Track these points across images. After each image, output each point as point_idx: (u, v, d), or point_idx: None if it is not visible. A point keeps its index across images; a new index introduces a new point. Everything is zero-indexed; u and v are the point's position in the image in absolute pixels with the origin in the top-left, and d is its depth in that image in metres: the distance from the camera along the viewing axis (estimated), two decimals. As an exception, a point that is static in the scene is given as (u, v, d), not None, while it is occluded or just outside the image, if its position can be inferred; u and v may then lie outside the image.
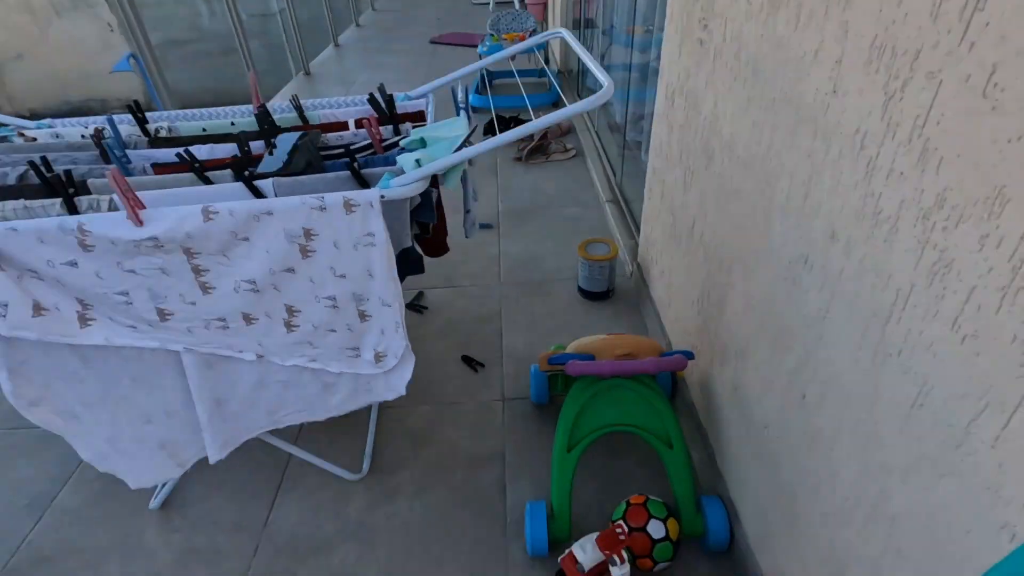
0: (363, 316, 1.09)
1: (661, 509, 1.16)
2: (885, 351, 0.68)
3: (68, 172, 1.05)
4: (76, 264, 0.93)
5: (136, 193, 0.92)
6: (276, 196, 1.05)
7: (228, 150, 1.28)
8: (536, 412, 1.55)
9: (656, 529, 1.13)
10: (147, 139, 1.34)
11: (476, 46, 4.51)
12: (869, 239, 0.70)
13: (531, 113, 1.26)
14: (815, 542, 0.87)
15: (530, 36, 3.83)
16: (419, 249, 1.36)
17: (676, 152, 1.48)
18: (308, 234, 0.97)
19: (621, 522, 1.12)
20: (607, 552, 1.00)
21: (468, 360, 1.72)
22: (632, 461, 1.40)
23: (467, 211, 1.40)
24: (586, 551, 1.07)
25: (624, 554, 1.01)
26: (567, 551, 1.10)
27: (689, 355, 1.24)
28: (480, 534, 1.27)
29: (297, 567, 1.22)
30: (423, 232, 1.37)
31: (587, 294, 1.94)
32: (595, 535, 1.08)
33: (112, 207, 1.02)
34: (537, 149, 3.01)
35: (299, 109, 1.42)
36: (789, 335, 0.91)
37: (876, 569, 0.72)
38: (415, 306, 1.95)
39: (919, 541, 0.64)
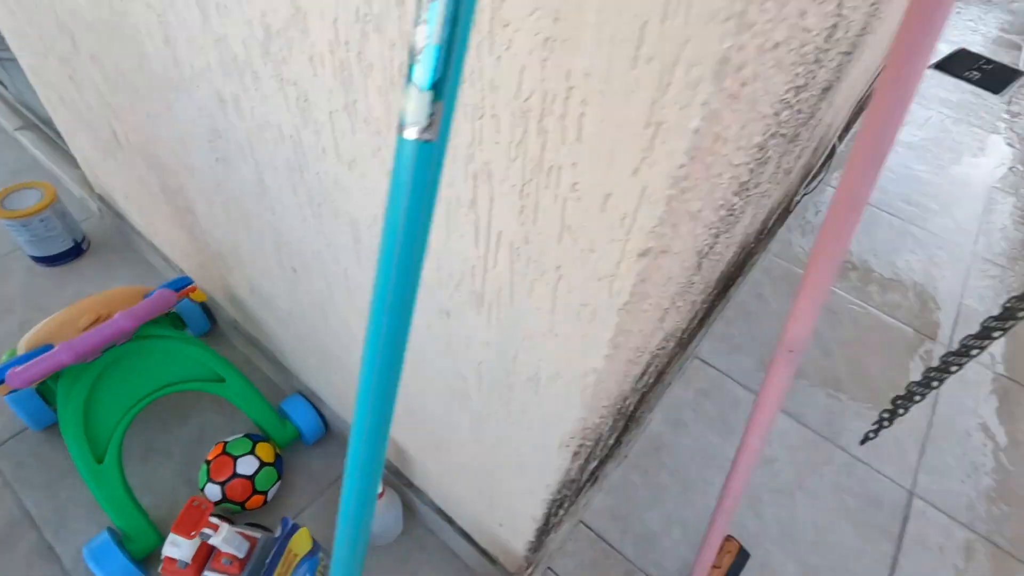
0: None
1: (242, 444, 1.06)
2: (315, 200, 0.67)
3: None
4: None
5: None
6: None
7: None
8: (50, 439, 1.15)
9: (247, 465, 1.04)
10: None
11: None
12: (247, 91, 0.63)
13: None
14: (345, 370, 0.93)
15: None
16: None
17: (37, 36, 1.08)
18: None
19: (197, 496, 0.98)
20: (193, 533, 0.87)
21: None
22: (196, 416, 1.22)
23: None
24: (178, 545, 0.91)
25: (214, 520, 0.89)
26: (162, 557, 0.92)
27: (181, 283, 1.07)
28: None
29: None
30: None
31: (46, 260, 1.44)
32: (181, 523, 0.92)
33: None
34: None
35: None
36: (256, 218, 0.83)
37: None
38: None
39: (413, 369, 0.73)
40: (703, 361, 1.46)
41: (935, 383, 0.86)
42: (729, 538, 1.13)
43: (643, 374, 0.78)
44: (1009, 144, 2.49)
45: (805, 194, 1.85)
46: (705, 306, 1.18)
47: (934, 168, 2.28)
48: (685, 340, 1.21)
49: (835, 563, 1.15)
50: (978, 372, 1.54)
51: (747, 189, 0.54)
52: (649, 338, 0.60)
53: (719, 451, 1.29)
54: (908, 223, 1.99)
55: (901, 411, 0.96)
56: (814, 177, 1.79)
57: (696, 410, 1.36)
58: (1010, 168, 2.35)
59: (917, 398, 0.92)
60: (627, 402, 0.83)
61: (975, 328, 0.75)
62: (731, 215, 0.55)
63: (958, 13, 3.64)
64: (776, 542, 1.17)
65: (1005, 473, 1.34)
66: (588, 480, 1.01)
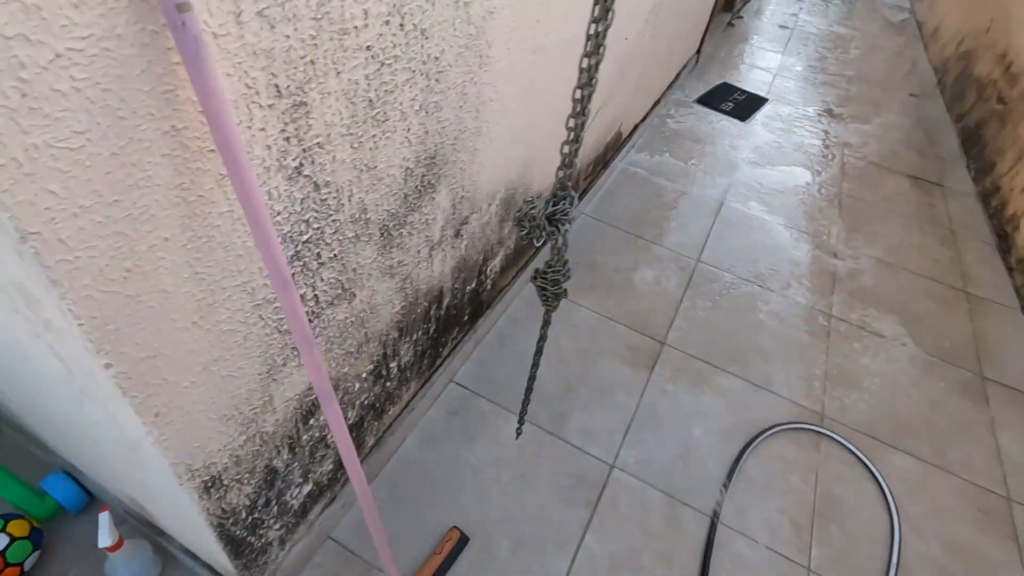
0: None
1: (-9, 525, 1.18)
2: None
3: None
4: None
5: None
6: None
7: None
8: None
9: (-3, 543, 1.16)
10: None
11: None
12: None
13: None
14: (92, 441, 1.09)
15: None
16: None
17: None
18: None
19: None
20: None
21: None
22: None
23: None
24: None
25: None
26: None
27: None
28: None
29: None
30: None
31: None
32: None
33: None
34: None
35: None
36: None
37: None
38: None
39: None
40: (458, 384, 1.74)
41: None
42: (454, 528, 1.40)
43: (303, 418, 1.01)
44: (736, 165, 3.07)
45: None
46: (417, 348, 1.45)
47: (681, 187, 2.77)
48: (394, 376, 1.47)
49: (541, 533, 1.45)
50: (679, 358, 1.94)
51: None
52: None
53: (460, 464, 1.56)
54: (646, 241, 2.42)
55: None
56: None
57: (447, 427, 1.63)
58: (729, 187, 2.90)
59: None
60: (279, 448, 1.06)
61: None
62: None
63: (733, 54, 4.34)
64: (496, 524, 1.45)
65: (692, 440, 1.72)
66: (296, 506, 1.23)
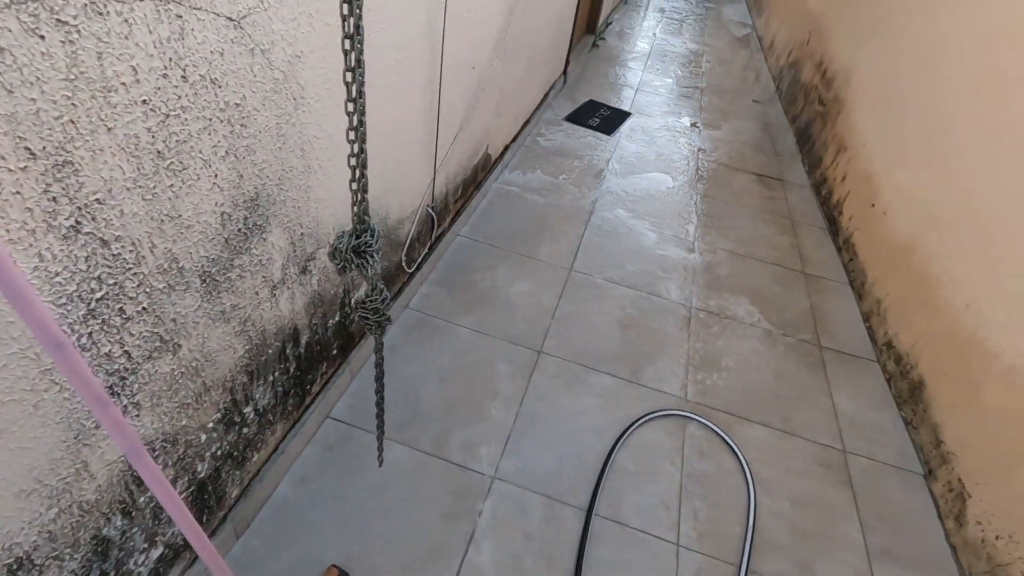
0: None
1: None
2: None
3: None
4: None
5: None
6: None
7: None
8: None
9: None
10: None
11: None
12: None
13: None
14: None
15: None
16: None
17: None
18: None
19: None
20: None
21: None
22: None
23: None
24: None
25: None
26: None
27: None
28: None
29: None
30: None
31: None
32: None
33: None
34: None
35: None
36: None
37: None
38: None
39: None
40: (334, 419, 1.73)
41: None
42: (332, 567, 1.38)
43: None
44: (603, 176, 3.29)
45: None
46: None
47: (552, 200, 2.92)
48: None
49: (425, 553, 1.46)
50: (556, 364, 2.05)
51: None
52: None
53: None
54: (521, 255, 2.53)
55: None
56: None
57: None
58: (598, 198, 3.11)
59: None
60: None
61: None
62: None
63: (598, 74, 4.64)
64: (379, 554, 1.44)
65: (569, 441, 1.81)
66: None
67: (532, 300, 2.31)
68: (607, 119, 3.96)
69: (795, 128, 4.15)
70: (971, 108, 2.17)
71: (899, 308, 2.29)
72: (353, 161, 0.82)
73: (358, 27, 0.71)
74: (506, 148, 3.09)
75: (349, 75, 0.74)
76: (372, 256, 0.92)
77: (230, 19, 0.90)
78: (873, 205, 2.73)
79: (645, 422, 1.90)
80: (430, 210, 2.13)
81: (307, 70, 1.13)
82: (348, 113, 0.77)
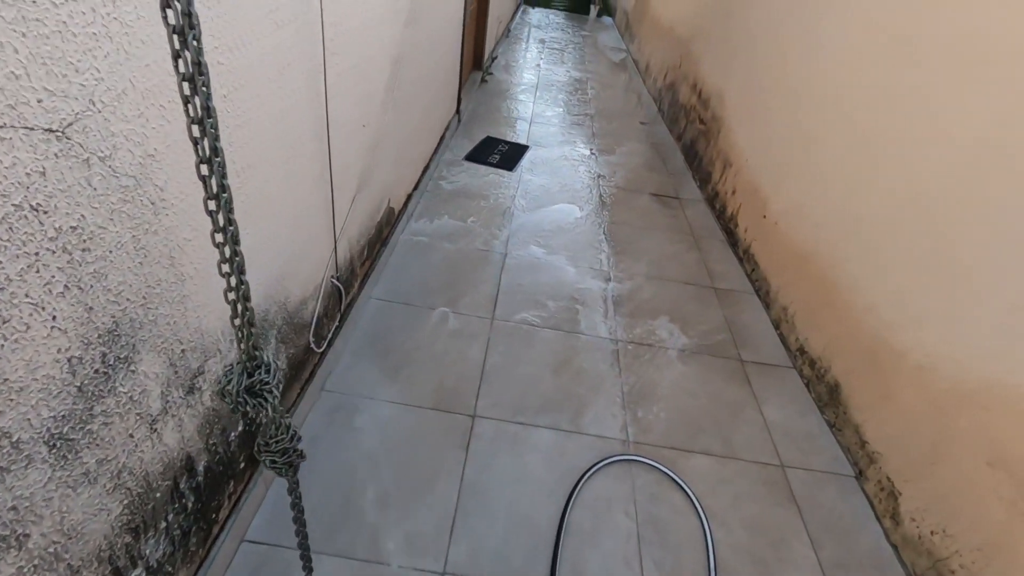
0: None
1: None
2: None
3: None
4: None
5: None
6: None
7: None
8: None
9: None
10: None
11: None
12: None
13: None
14: None
15: None
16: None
17: None
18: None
19: None
20: None
21: None
22: None
23: None
24: None
25: None
26: None
27: None
28: None
29: None
30: None
31: None
32: None
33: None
34: None
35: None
36: None
37: None
38: None
39: None
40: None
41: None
42: None
43: None
44: (512, 213, 3.26)
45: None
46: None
47: (463, 247, 2.83)
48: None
49: None
50: (492, 426, 1.93)
51: None
52: None
53: None
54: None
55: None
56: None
57: None
58: (509, 237, 3.07)
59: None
60: None
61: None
62: None
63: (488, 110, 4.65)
64: None
65: (519, 510, 1.69)
66: None
67: (458, 357, 2.19)
68: (506, 154, 3.96)
69: (682, 146, 4.38)
70: (830, 122, 2.36)
71: (805, 314, 2.42)
72: (232, 295, 0.67)
73: (208, 109, 0.58)
74: (409, 197, 2.97)
75: (205, 168, 0.60)
76: (270, 393, 0.77)
77: (50, 131, 0.72)
78: (765, 216, 2.90)
79: (593, 474, 1.83)
80: (335, 281, 1.96)
81: (165, 168, 0.96)
82: (210, 212, 0.62)
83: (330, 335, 2.00)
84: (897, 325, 1.87)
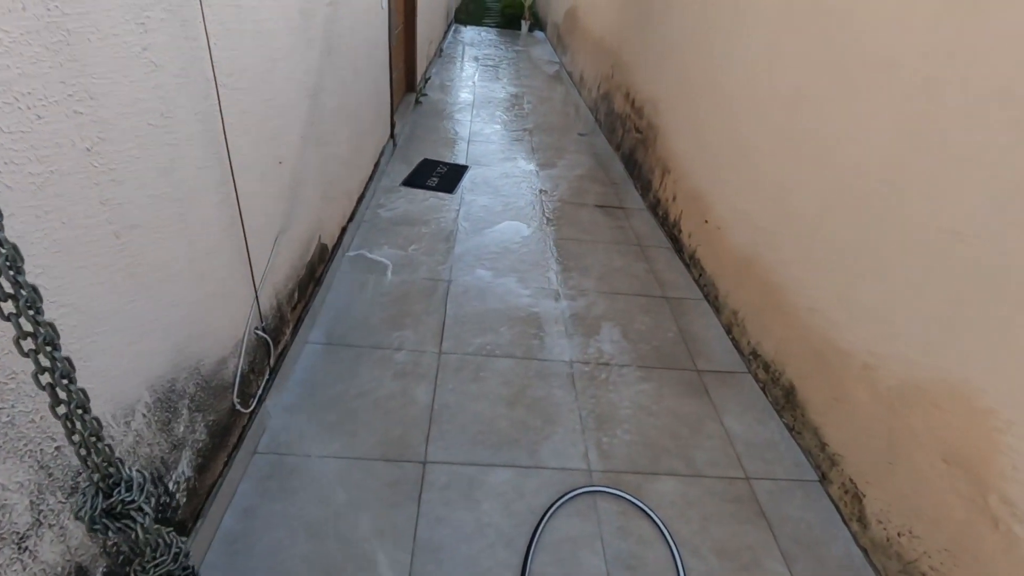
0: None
1: None
2: None
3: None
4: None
5: None
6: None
7: None
8: None
9: None
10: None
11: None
12: None
13: None
14: None
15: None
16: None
17: None
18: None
19: None
20: None
21: None
22: None
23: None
24: None
25: None
26: None
27: None
28: None
29: None
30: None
31: None
32: None
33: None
34: None
35: None
36: None
37: None
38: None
39: None
40: None
41: None
42: None
43: None
44: (455, 237, 3.16)
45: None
46: None
47: (408, 276, 2.71)
48: None
49: None
50: (445, 472, 1.81)
51: None
52: None
53: None
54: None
55: None
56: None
57: None
58: (453, 263, 2.97)
59: None
60: None
61: None
62: None
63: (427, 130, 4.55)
64: None
65: (480, 564, 1.57)
66: None
67: (405, 400, 2.06)
68: (445, 176, 3.86)
69: (621, 155, 4.40)
70: (758, 125, 2.38)
71: (755, 317, 2.41)
72: (62, 409, 0.54)
73: None
74: (344, 230, 2.83)
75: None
76: (140, 512, 0.64)
77: None
78: (707, 221, 2.90)
79: (554, 512, 1.73)
80: (260, 333, 1.80)
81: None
82: (5, 318, 0.49)
83: (259, 391, 1.83)
84: (841, 325, 1.86)
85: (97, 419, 0.59)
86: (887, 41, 1.72)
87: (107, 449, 0.60)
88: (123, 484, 0.62)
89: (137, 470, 0.66)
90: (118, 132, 1.04)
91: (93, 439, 0.58)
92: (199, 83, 1.32)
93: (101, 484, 0.61)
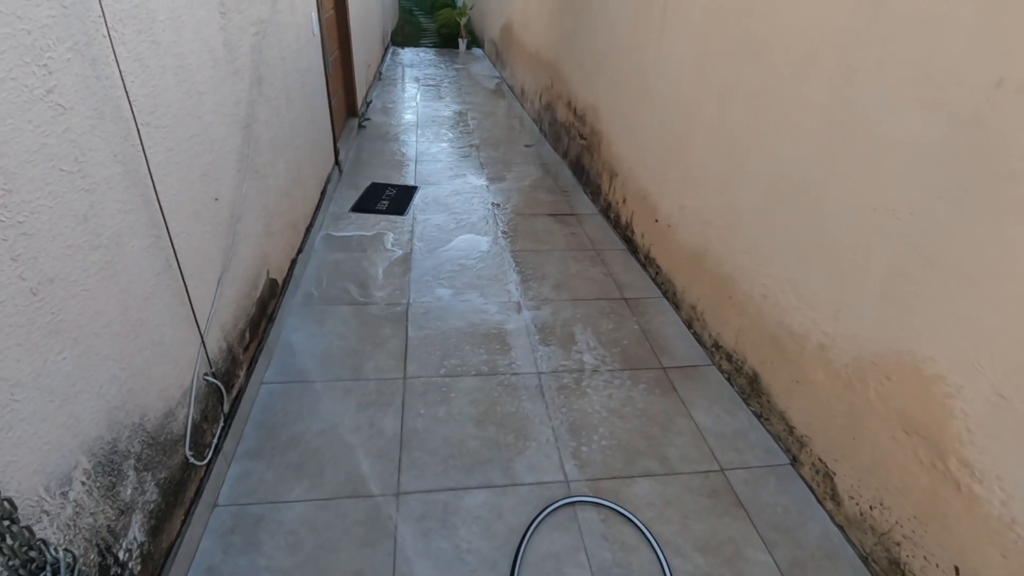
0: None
1: None
2: None
3: None
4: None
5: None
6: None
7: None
8: None
9: None
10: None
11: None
12: None
13: None
14: None
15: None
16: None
17: None
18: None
19: None
20: None
21: None
22: None
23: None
24: None
25: None
26: None
27: None
28: None
29: None
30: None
31: None
32: None
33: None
34: None
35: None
36: None
37: None
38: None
39: None
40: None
41: None
42: None
43: None
44: (411, 260, 3.11)
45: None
46: None
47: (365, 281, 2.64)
48: None
49: None
50: (419, 502, 1.75)
51: None
52: None
53: None
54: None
55: None
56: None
57: None
58: (411, 285, 2.92)
59: None
60: None
61: None
62: None
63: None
64: None
65: None
66: None
67: (372, 432, 1.99)
68: (395, 199, 3.82)
69: (569, 163, 4.45)
70: (693, 123, 2.44)
71: (712, 309, 2.45)
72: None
73: None
74: (294, 262, 2.74)
75: None
76: (66, 596, 0.57)
77: None
78: (656, 220, 2.95)
79: (535, 529, 1.69)
80: (210, 379, 1.71)
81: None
82: None
83: (215, 440, 1.74)
84: (793, 309, 1.91)
85: (10, 499, 0.53)
86: (806, 33, 1.80)
87: (24, 532, 0.54)
88: (48, 569, 0.56)
89: (65, 549, 0.60)
90: (24, 181, 0.97)
91: (6, 522, 0.52)
92: (116, 123, 1.24)
93: (21, 572, 0.55)
